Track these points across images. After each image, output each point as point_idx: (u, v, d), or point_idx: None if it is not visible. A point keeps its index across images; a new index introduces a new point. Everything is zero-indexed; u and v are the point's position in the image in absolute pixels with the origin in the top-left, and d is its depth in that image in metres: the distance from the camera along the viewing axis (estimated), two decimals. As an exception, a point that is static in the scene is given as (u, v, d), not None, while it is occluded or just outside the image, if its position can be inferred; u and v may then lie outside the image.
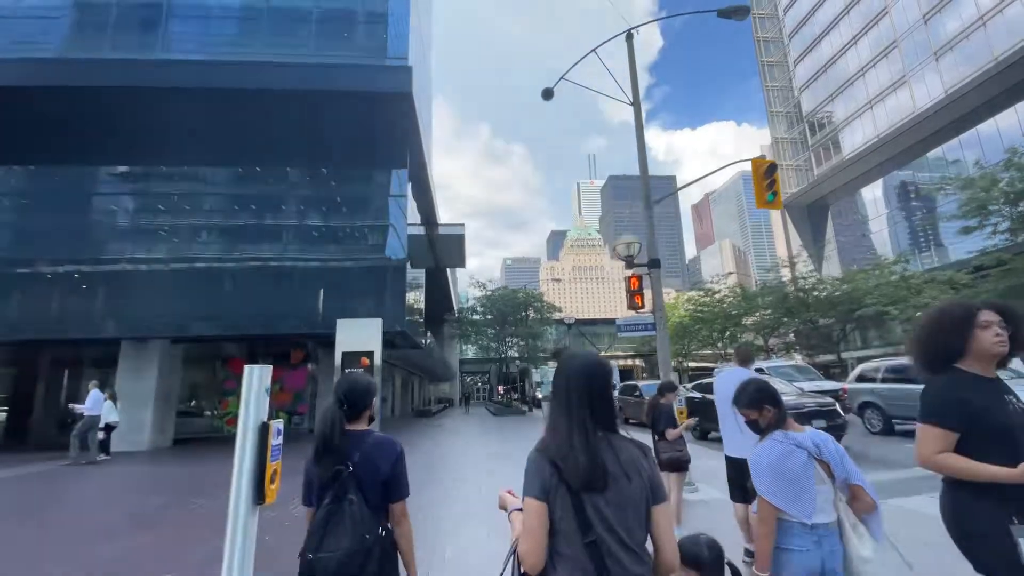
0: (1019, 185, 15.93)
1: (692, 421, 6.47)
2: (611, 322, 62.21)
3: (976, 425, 1.72)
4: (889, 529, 2.08)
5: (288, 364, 18.18)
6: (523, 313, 30.53)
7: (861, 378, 10.72)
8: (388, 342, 15.10)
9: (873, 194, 42.48)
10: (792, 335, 33.64)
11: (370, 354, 12.03)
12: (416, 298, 19.79)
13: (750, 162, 9.09)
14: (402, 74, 14.59)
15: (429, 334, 27.39)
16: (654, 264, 8.56)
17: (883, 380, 10.04)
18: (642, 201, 9.10)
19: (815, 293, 27.41)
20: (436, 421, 24.83)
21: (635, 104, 9.31)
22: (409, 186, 16.21)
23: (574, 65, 10.02)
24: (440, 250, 26.36)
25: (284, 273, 14.73)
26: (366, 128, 15.44)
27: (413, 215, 18.12)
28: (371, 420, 2.05)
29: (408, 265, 15.65)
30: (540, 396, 30.26)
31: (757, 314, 31.28)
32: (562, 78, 10.08)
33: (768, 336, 32.62)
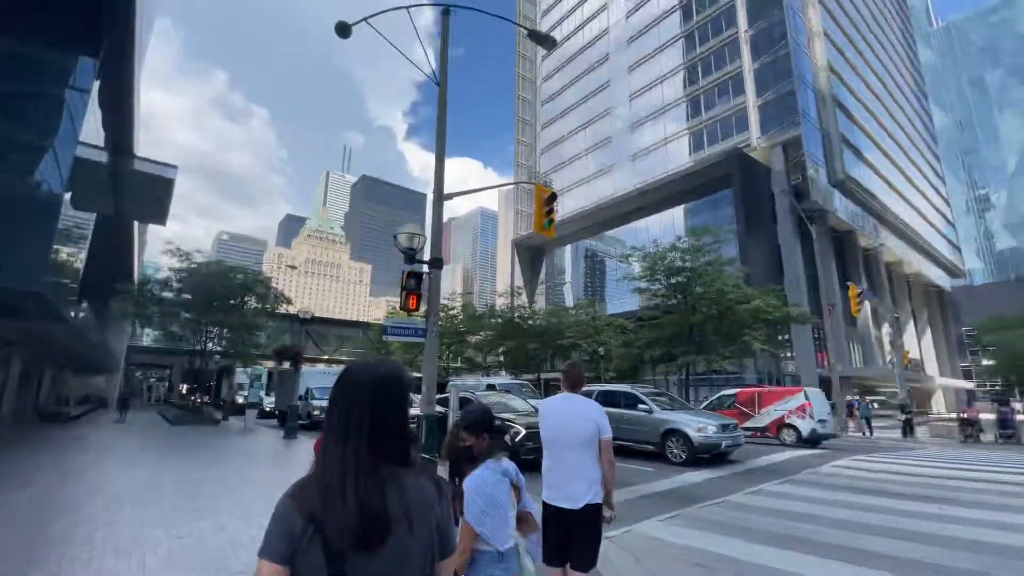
0: (676, 264, 21.98)
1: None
2: (343, 323, 58.87)
3: None
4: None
5: None
6: (239, 299, 25.03)
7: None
8: (8, 307, 9.80)
9: (569, 252, 53.49)
10: (502, 355, 38.10)
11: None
12: (72, 253, 13.73)
13: (534, 186, 9.30)
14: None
15: (85, 305, 19.64)
16: (436, 264, 7.70)
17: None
18: (433, 194, 8.21)
19: (530, 322, 31.69)
20: (75, 430, 17.74)
21: (441, 85, 8.45)
22: (97, 85, 11.13)
23: (381, 12, 8.54)
24: (130, 194, 19.48)
25: None
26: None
27: (94, 131, 12.61)
28: None
29: (67, 200, 10.59)
30: (244, 401, 25.25)
31: (482, 333, 34.16)
32: (366, 20, 8.43)
33: (487, 354, 36.02)
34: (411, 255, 7.36)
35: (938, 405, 54.02)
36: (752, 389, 17.82)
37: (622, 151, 48.96)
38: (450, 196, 8.31)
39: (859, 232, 41.89)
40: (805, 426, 14.52)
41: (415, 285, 7.44)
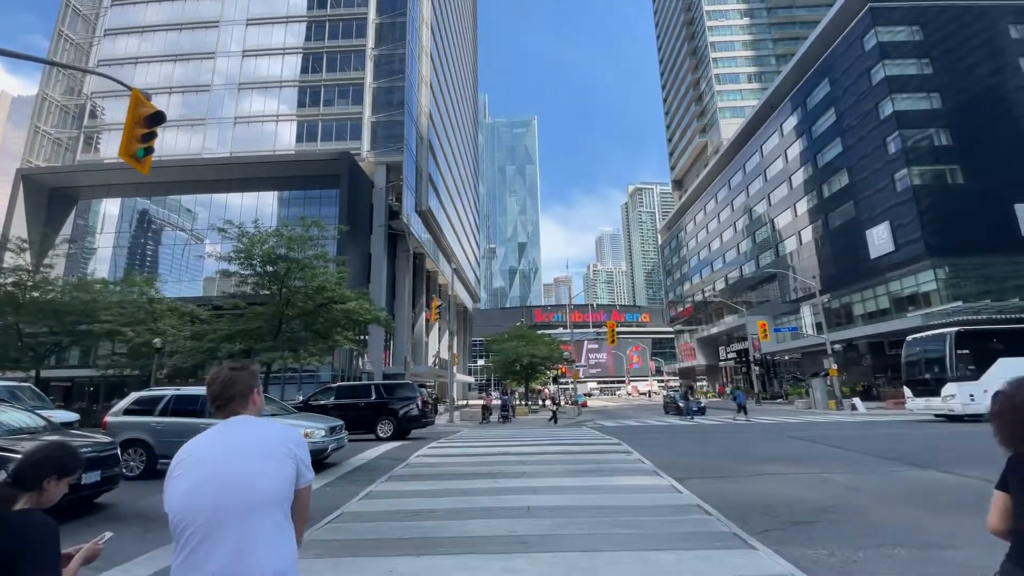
0: (279, 251, 19.84)
1: None
2: None
3: None
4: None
5: None
6: None
7: (134, 409, 8.72)
8: None
9: (113, 209, 40.42)
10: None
11: None
12: None
13: (132, 93, 6.32)
14: None
15: None
16: None
17: (172, 412, 8.60)
18: None
19: (35, 293, 21.44)
20: None
21: None
22: None
23: None
24: None
25: None
26: None
27: None
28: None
29: None
30: None
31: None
32: None
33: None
34: None
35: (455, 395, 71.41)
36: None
37: (221, 108, 41.50)
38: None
39: (427, 256, 50.87)
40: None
41: None
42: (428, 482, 8.19)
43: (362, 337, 27.18)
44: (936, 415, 18.77)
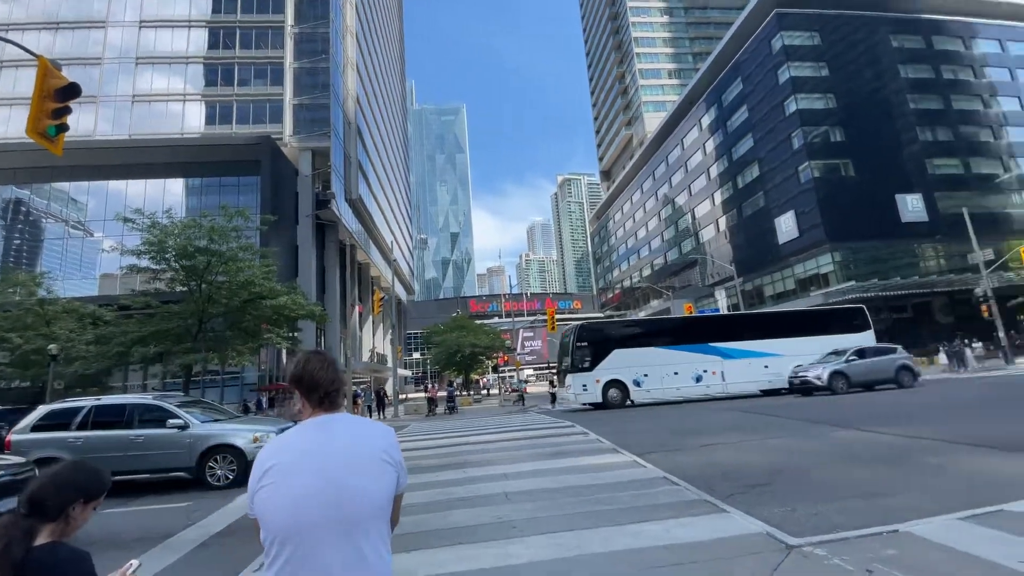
0: (198, 244, 18.08)
1: None
2: None
3: None
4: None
5: None
6: None
7: (44, 425, 7.57)
8: None
9: None
10: None
11: None
12: None
13: (38, 62, 5.48)
14: None
15: None
16: None
17: (94, 425, 7.56)
18: None
19: None
20: None
21: None
22: None
23: None
24: None
25: None
26: None
27: None
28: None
29: None
30: None
31: None
32: None
33: None
34: None
35: (389, 389, 69.64)
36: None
37: (115, 85, 36.97)
38: None
39: (359, 247, 48.88)
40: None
41: None
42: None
43: (293, 334, 25.69)
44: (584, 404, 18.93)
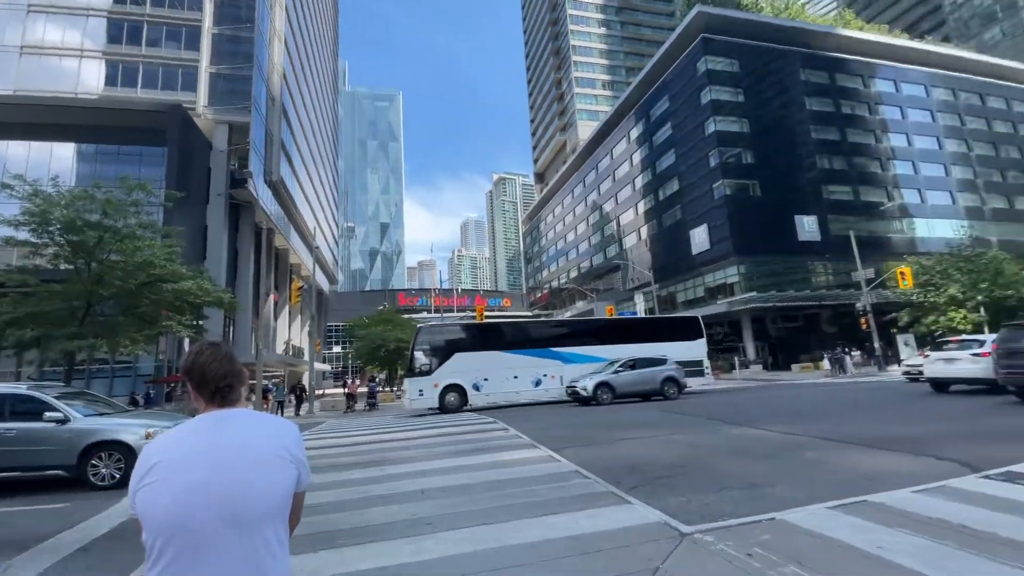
0: (89, 218, 16.09)
1: None
2: None
3: None
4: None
5: None
6: None
7: None
8: None
9: None
10: None
11: None
12: None
13: None
14: None
15: None
16: None
17: None
18: None
19: None
20: None
21: None
22: None
23: None
24: None
25: None
26: None
27: None
28: None
29: None
30: None
31: None
32: None
33: None
34: None
35: (306, 382, 66.15)
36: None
37: (2, 33, 31.89)
38: None
39: (278, 231, 45.98)
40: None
41: None
42: (323, 474, 7.62)
43: (198, 323, 23.60)
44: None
